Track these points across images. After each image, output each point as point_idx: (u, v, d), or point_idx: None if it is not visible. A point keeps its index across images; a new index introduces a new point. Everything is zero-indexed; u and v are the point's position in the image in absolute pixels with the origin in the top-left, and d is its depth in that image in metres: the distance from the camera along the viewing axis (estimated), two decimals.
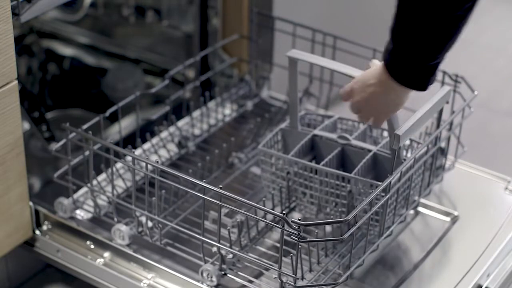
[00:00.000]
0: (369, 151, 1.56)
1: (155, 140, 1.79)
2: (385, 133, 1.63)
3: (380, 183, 1.44)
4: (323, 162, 1.54)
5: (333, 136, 1.60)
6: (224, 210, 1.55)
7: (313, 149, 1.62)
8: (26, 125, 1.79)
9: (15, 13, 1.45)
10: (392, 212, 1.52)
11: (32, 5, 1.47)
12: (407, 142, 1.59)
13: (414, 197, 1.60)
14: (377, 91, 1.38)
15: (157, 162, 1.47)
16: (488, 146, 2.35)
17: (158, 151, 1.78)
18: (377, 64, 1.39)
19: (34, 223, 1.64)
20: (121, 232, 1.57)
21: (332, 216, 1.54)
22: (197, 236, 1.48)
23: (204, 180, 1.44)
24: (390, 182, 1.43)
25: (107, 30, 2.26)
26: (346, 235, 1.36)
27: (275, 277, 1.44)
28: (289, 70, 1.57)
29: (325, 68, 1.56)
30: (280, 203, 1.59)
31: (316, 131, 1.61)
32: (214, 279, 1.48)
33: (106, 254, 1.59)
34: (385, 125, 1.47)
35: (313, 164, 1.53)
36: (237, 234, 1.50)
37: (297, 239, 1.34)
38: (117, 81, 2.13)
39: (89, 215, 1.64)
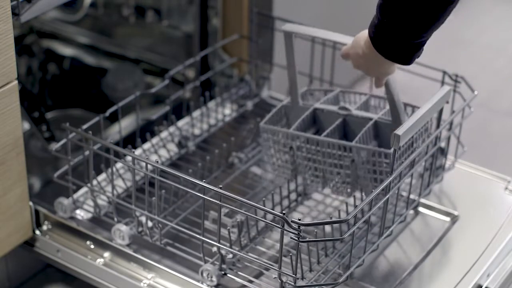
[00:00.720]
0: (370, 119, 1.56)
1: (155, 140, 1.79)
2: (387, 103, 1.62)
3: (382, 149, 1.45)
4: (324, 133, 1.53)
5: (334, 108, 1.60)
6: (224, 210, 1.55)
7: (316, 123, 1.62)
8: (26, 125, 1.79)
9: (15, 13, 1.45)
10: (391, 211, 1.52)
11: (32, 5, 1.47)
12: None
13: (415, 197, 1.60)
14: (364, 61, 1.42)
15: (157, 162, 1.47)
16: (488, 146, 2.35)
17: (158, 151, 1.78)
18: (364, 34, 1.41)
19: (34, 223, 1.64)
20: (121, 232, 1.57)
21: (338, 187, 1.53)
22: (197, 236, 1.48)
23: (204, 180, 1.44)
24: (390, 182, 1.43)
25: (107, 30, 2.26)
26: (346, 235, 1.36)
27: (275, 277, 1.44)
28: (285, 45, 1.57)
29: (319, 39, 1.61)
30: (280, 203, 1.59)
31: (317, 105, 1.61)
32: (214, 279, 1.48)
33: (106, 254, 1.59)
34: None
35: (314, 136, 1.53)
36: (237, 234, 1.50)
37: (297, 239, 1.34)
38: (117, 81, 2.13)
39: (89, 215, 1.64)
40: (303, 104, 1.63)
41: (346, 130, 1.59)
